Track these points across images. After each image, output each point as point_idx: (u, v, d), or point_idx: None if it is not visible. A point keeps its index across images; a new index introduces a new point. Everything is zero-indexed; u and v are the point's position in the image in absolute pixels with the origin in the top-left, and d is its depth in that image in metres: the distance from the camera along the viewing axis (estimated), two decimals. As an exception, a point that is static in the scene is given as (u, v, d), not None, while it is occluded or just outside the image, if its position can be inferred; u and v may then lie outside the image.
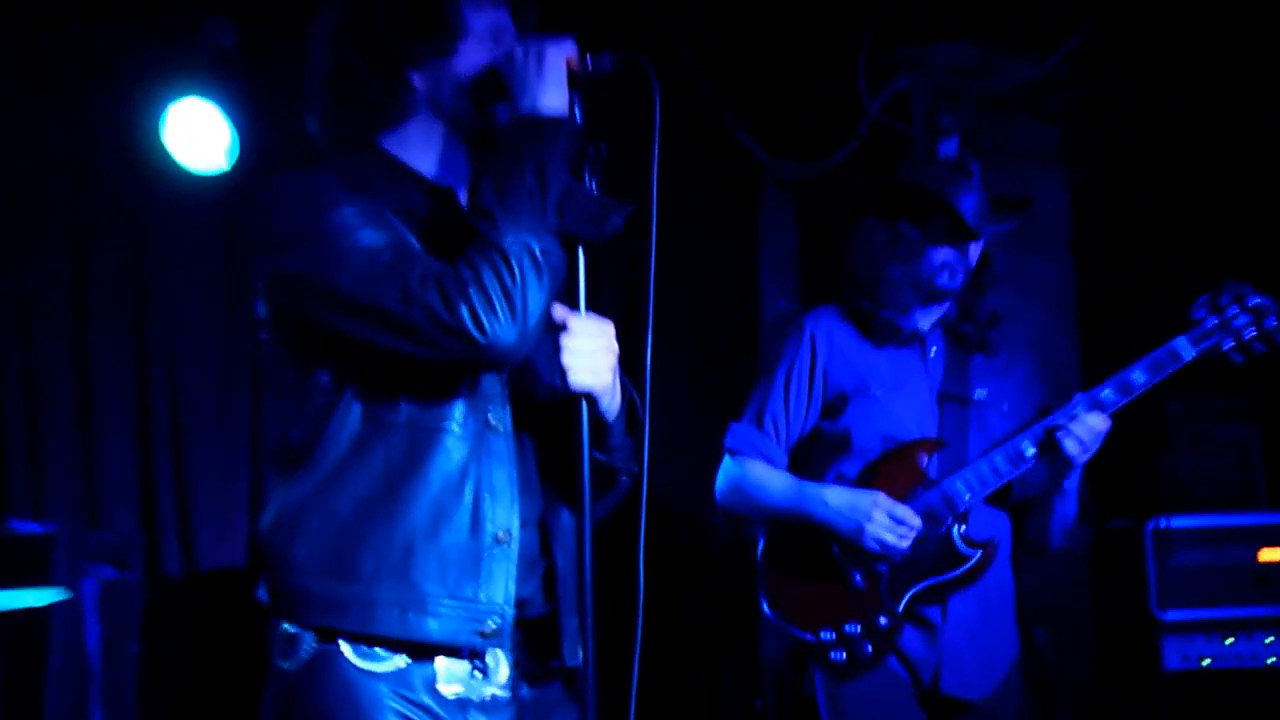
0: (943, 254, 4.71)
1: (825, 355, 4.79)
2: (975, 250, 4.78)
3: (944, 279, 4.71)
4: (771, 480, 4.77)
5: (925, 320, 4.80)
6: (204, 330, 7.39)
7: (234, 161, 6.97)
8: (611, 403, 3.13)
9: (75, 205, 7.23)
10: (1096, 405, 4.56)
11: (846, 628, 4.62)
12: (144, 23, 7.01)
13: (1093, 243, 7.53)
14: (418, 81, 3.09)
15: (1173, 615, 6.57)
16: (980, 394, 4.76)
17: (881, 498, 4.55)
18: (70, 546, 6.58)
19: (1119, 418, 4.59)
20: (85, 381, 7.19)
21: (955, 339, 4.81)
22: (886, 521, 4.53)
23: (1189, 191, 7.41)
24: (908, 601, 4.60)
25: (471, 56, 3.10)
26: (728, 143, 7.59)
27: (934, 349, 4.79)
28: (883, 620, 4.61)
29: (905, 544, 4.52)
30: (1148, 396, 4.61)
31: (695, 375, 7.66)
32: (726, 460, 4.87)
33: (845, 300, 4.86)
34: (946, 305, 4.80)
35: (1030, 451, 4.57)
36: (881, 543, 4.53)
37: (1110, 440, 4.58)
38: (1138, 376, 4.58)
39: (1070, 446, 4.50)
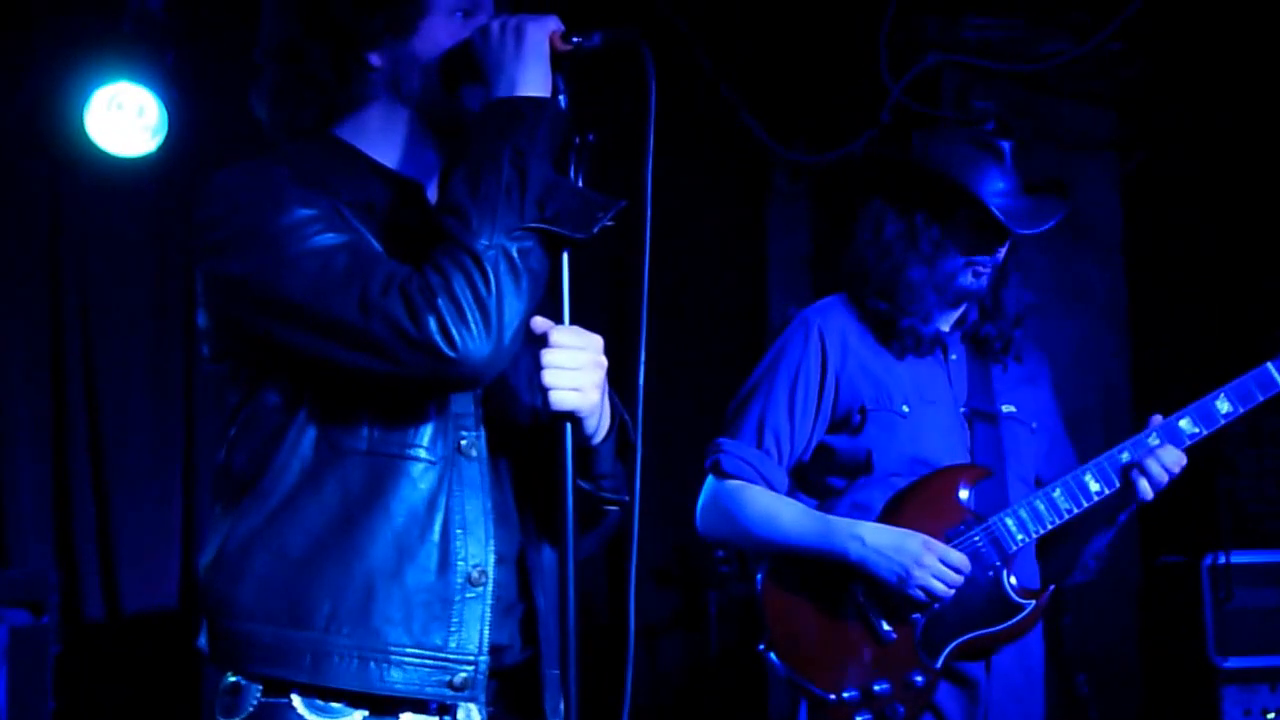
0: (969, 247, 4.41)
1: (837, 360, 4.45)
2: (1004, 245, 4.48)
3: (967, 280, 4.41)
4: (783, 511, 4.41)
5: (945, 321, 4.51)
6: (129, 338, 7.21)
7: (162, 143, 6.80)
8: (599, 425, 3.01)
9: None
10: (1174, 437, 4.35)
11: (875, 686, 4.32)
12: None
13: (1146, 242, 7.32)
14: (376, 61, 2.97)
15: (1233, 662, 6.40)
16: (1008, 409, 4.49)
17: (931, 540, 4.27)
18: None
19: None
20: None
21: (975, 343, 4.52)
22: (937, 567, 4.25)
23: (1257, 186, 7.15)
24: (946, 656, 4.32)
25: (437, 35, 2.97)
26: (732, 128, 7.47)
27: (954, 355, 4.51)
28: (918, 678, 4.31)
29: (951, 593, 4.27)
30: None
31: (695, 391, 7.35)
32: (717, 484, 4.51)
33: (855, 296, 4.52)
34: (965, 304, 4.53)
35: (1096, 488, 4.33)
36: (930, 591, 4.26)
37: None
38: (1223, 405, 4.38)
39: (1144, 486, 4.28)
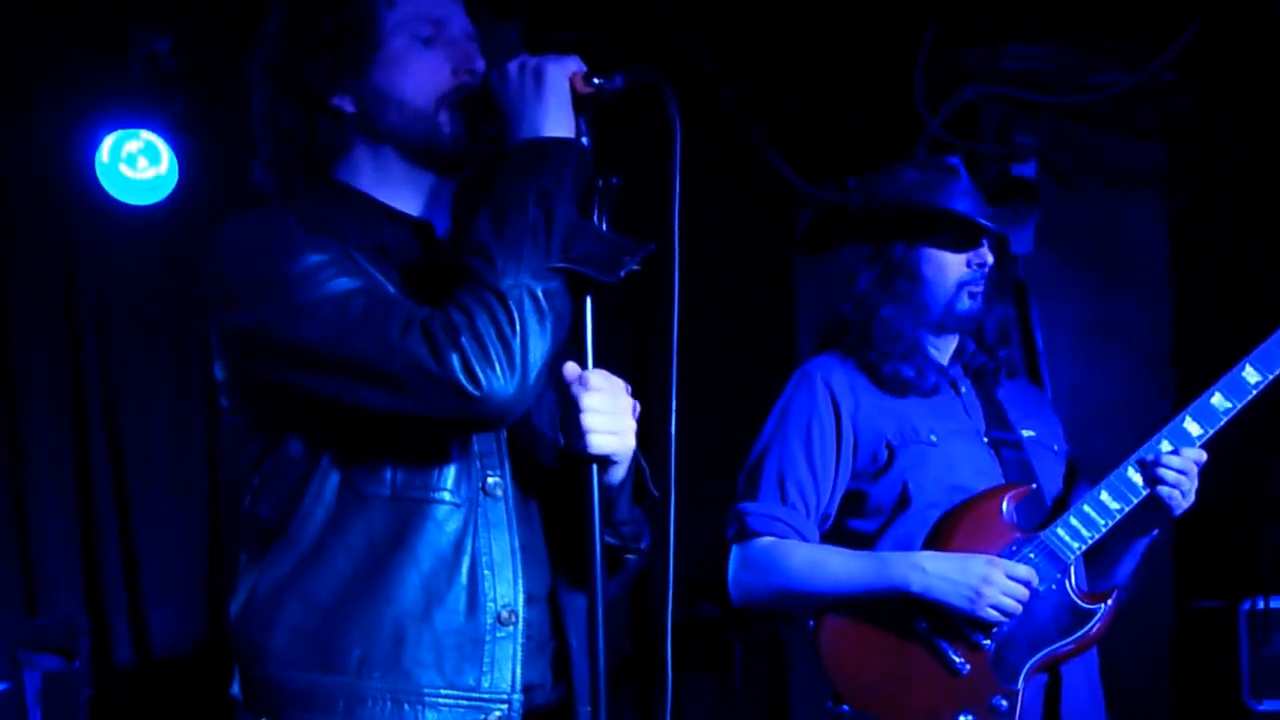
0: (957, 270, 4.37)
1: (850, 405, 4.38)
2: (988, 261, 4.42)
3: (964, 303, 4.38)
4: (828, 558, 4.33)
5: (944, 353, 4.47)
6: (150, 385, 7.18)
7: (174, 190, 6.79)
8: (620, 470, 3.01)
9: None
10: (1208, 416, 4.32)
11: (960, 719, 4.26)
12: (68, 35, 6.73)
13: (1194, 283, 7.13)
14: (347, 106, 2.97)
15: (1268, 705, 6.37)
16: (1029, 433, 4.45)
17: (994, 558, 4.22)
18: (6, 634, 6.36)
19: (1210, 483, 4.32)
20: (15, 446, 6.99)
21: (975, 376, 4.49)
22: (1006, 584, 4.18)
23: None
24: (1025, 676, 4.27)
25: (398, 67, 2.96)
26: (758, 166, 7.33)
27: (963, 388, 4.46)
28: (1001, 703, 4.26)
29: (1020, 610, 4.20)
30: (1245, 455, 4.57)
31: (722, 434, 6.85)
32: (746, 547, 4.41)
33: (845, 350, 4.47)
34: (959, 335, 4.49)
35: (1138, 479, 4.26)
36: (1002, 610, 4.19)
37: (1201, 507, 4.32)
38: (1251, 375, 4.37)
39: (1165, 492, 4.24)
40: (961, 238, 4.36)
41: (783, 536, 4.34)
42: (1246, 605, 6.31)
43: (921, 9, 6.70)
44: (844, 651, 4.33)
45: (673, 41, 6.71)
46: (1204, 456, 4.23)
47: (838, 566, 4.29)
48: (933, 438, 4.33)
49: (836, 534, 4.39)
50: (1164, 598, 6.70)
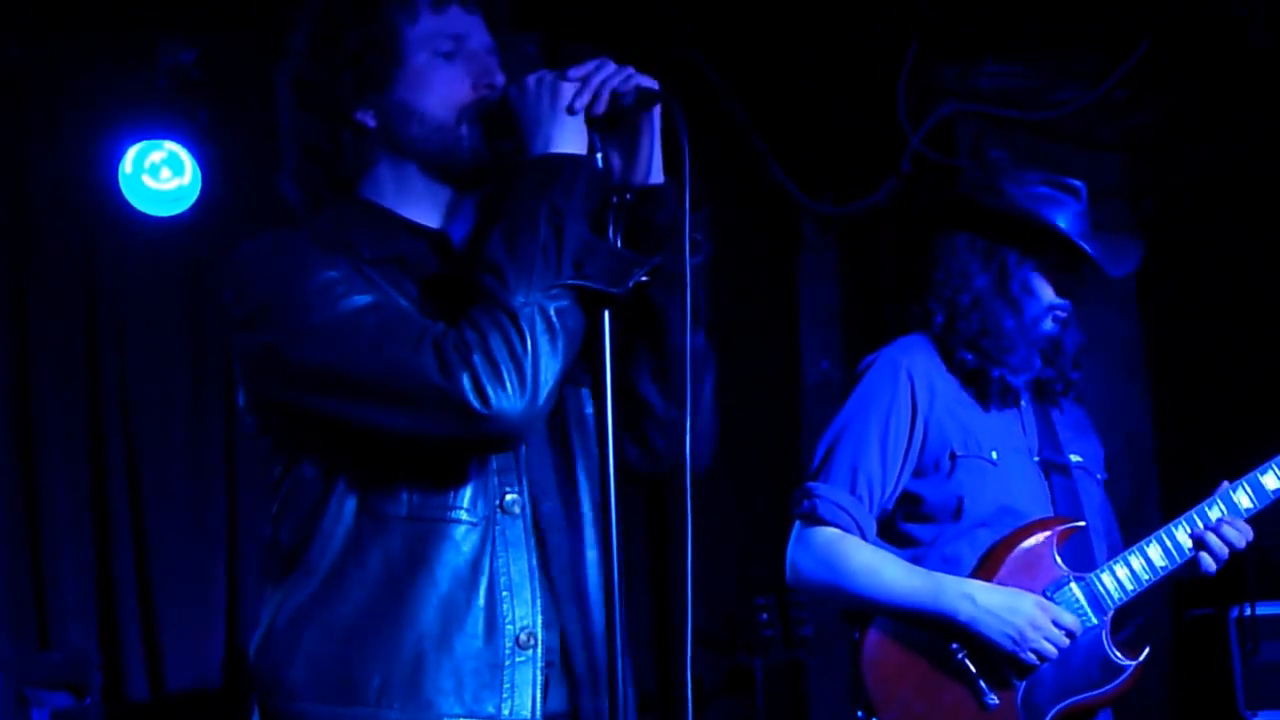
0: (1051, 293, 4.30)
1: (926, 404, 4.31)
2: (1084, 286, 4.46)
3: (1048, 326, 4.32)
4: (886, 566, 4.27)
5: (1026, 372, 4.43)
6: (168, 409, 7.14)
7: (197, 202, 6.80)
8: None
9: (12, 261, 6.96)
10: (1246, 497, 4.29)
11: None
12: (94, 45, 6.75)
13: (1162, 290, 7.18)
14: (370, 121, 2.97)
15: (1263, 716, 6.26)
16: (1076, 459, 4.41)
17: (1044, 601, 4.18)
18: (16, 670, 6.29)
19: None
20: (28, 473, 6.91)
21: (1036, 388, 4.41)
22: (1051, 630, 4.15)
23: (1273, 230, 7.06)
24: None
25: (420, 81, 2.97)
26: (760, 178, 7.46)
27: (1024, 402, 4.40)
28: None
29: (1057, 655, 4.17)
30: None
31: (727, 446, 7.07)
32: (812, 531, 4.33)
33: (940, 342, 4.37)
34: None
35: (1189, 544, 4.23)
36: (1042, 654, 4.15)
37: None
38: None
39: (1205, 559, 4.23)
40: (1068, 267, 4.34)
41: (847, 529, 4.31)
42: (1234, 613, 6.28)
43: (905, 31, 6.89)
44: (884, 663, 4.32)
45: (683, 58, 6.87)
46: (1252, 534, 4.25)
47: (893, 578, 4.27)
48: (994, 455, 4.30)
49: (890, 532, 4.38)
50: (1161, 606, 6.64)
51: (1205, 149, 7.12)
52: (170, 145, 6.63)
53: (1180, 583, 4.59)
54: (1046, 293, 4.28)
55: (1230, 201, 7.20)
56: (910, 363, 4.33)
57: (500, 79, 2.94)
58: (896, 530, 4.35)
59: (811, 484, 4.31)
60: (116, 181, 6.62)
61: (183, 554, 7.05)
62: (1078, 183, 4.34)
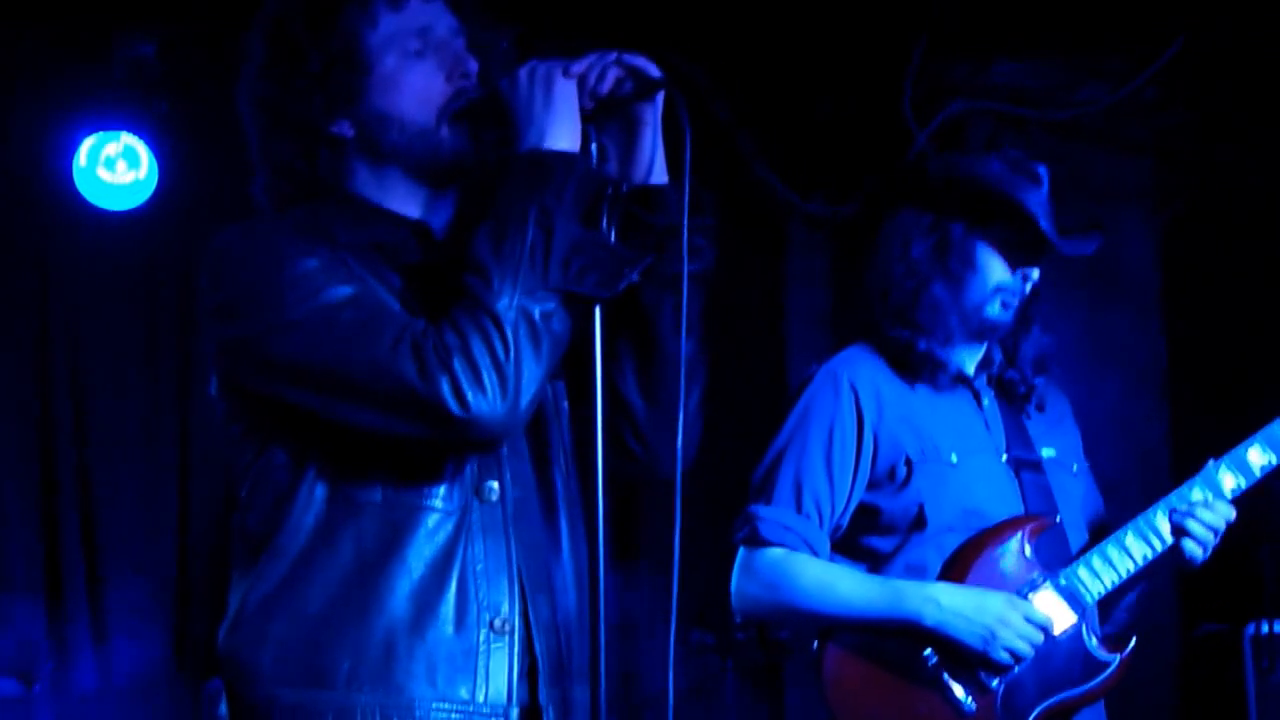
0: (1000, 274, 4.20)
1: (874, 414, 4.24)
2: (1032, 277, 4.29)
3: (994, 310, 4.21)
4: (839, 579, 4.21)
5: (970, 361, 4.32)
6: (120, 395, 7.18)
7: (154, 195, 6.80)
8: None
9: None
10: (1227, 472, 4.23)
11: None
12: (49, 35, 6.72)
13: (1186, 297, 7.19)
14: (346, 131, 2.95)
15: None
16: (1049, 453, 4.34)
17: (1014, 597, 4.14)
18: None
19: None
20: None
21: (1001, 388, 4.36)
22: (1023, 627, 4.10)
23: None
24: None
25: (393, 85, 2.94)
26: (748, 177, 7.42)
27: (986, 400, 4.34)
28: None
29: (1032, 654, 4.12)
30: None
31: (714, 449, 7.12)
32: (755, 555, 4.27)
33: (875, 332, 4.33)
34: (986, 344, 4.34)
35: (1166, 527, 4.18)
36: (1015, 653, 4.10)
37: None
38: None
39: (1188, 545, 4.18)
40: (1020, 244, 4.25)
41: (794, 548, 4.23)
42: (1251, 629, 6.26)
43: (912, 26, 6.76)
44: (847, 679, 4.25)
45: (668, 59, 6.73)
46: (1234, 514, 4.20)
47: (849, 590, 4.21)
48: (953, 457, 4.25)
49: (848, 547, 4.30)
50: (1169, 621, 6.69)
51: (1236, 150, 6.97)
52: (127, 138, 6.64)
53: (1189, 597, 4.51)
54: (995, 271, 4.18)
55: (1260, 207, 6.99)
56: (852, 374, 4.27)
57: (474, 66, 2.93)
58: (857, 545, 4.28)
59: (753, 507, 4.26)
60: (71, 174, 6.65)
61: (132, 538, 7.10)
62: (1040, 167, 4.26)
